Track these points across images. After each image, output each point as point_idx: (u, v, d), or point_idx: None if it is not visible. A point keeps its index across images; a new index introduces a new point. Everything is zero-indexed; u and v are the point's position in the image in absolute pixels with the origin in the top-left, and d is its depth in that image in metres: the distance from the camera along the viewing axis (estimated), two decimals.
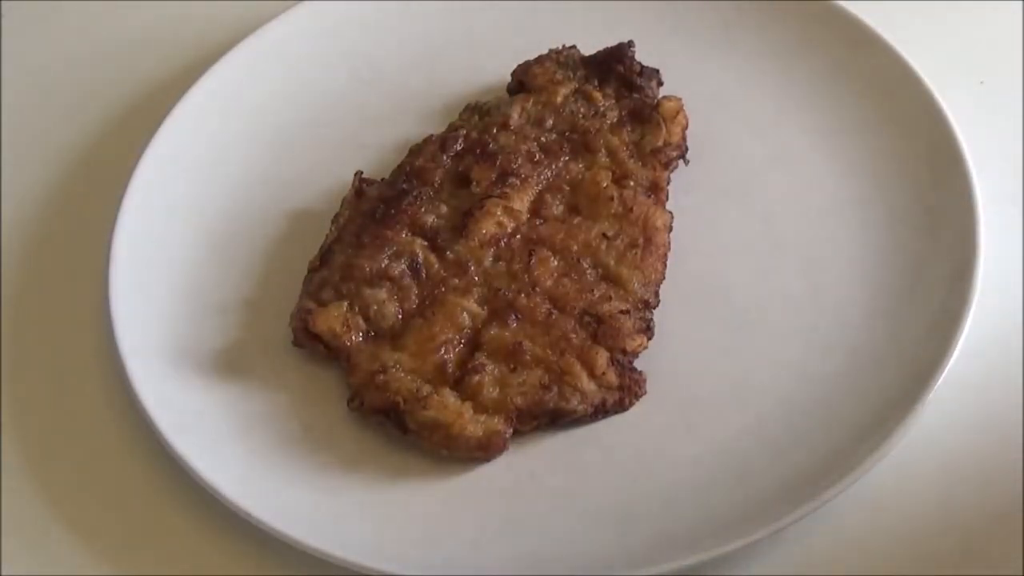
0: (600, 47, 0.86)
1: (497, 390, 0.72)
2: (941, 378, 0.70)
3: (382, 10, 0.92)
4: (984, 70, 0.89)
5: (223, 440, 0.73)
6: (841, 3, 0.88)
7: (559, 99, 0.83)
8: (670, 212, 0.79)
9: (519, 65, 0.86)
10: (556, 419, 0.72)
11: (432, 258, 0.77)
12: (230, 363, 0.76)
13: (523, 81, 0.85)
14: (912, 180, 0.81)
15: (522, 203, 0.78)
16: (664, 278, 0.77)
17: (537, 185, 0.79)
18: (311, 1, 0.92)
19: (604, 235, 0.77)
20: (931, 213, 0.79)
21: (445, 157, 0.81)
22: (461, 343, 0.74)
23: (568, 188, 0.79)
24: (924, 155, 0.81)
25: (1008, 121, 0.86)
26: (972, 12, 0.93)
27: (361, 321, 0.75)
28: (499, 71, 0.87)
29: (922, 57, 0.84)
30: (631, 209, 0.78)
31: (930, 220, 0.78)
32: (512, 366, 0.73)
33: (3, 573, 0.71)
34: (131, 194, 0.82)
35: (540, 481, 0.71)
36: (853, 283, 0.77)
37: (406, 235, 0.77)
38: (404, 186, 0.80)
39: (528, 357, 0.73)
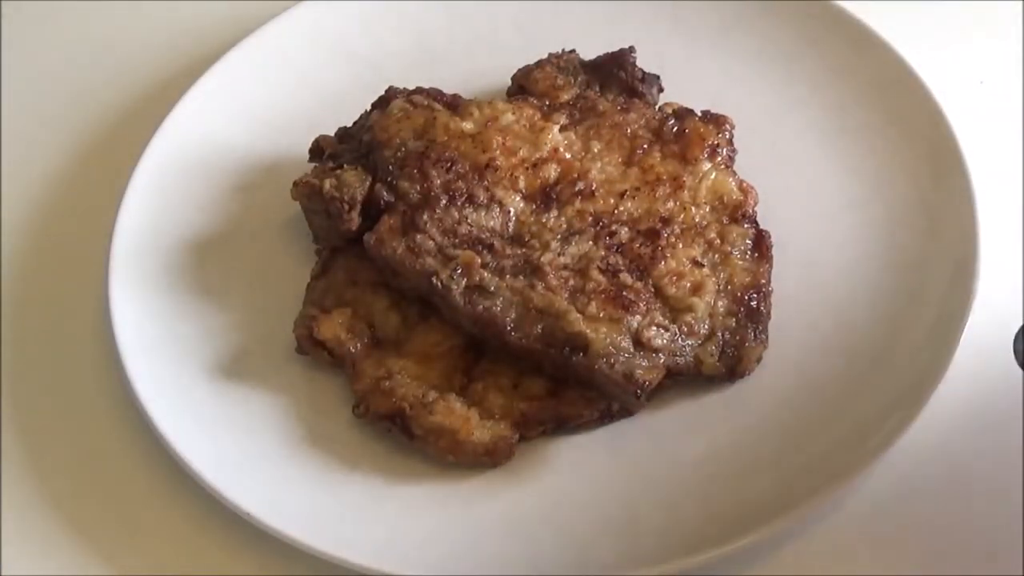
0: (600, 48, 0.86)
1: (503, 396, 0.72)
2: (942, 378, 0.70)
3: (382, 10, 0.92)
4: (984, 70, 0.90)
5: (224, 441, 0.73)
6: (841, 3, 0.88)
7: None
8: None
9: (519, 69, 0.86)
10: (562, 424, 0.72)
11: None
12: (231, 366, 0.76)
13: (523, 85, 0.85)
14: (912, 180, 0.81)
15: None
16: None
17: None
18: (311, 1, 0.92)
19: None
20: (931, 213, 0.79)
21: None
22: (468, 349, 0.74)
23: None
24: (924, 155, 0.81)
25: (1008, 121, 0.86)
26: (972, 12, 0.93)
27: (365, 328, 0.75)
28: (499, 72, 0.87)
29: (922, 57, 0.85)
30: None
31: (930, 220, 0.78)
32: (519, 372, 0.73)
33: (3, 573, 0.71)
34: (131, 194, 0.82)
35: (541, 482, 0.71)
36: (853, 283, 0.77)
37: None
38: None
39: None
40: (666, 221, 0.76)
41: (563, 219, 0.76)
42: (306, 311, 0.77)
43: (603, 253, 0.74)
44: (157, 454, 0.73)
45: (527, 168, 0.77)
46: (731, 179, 0.78)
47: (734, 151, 0.80)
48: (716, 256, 0.76)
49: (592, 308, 0.72)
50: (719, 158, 0.79)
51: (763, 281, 0.75)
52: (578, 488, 0.71)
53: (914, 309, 0.75)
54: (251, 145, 0.87)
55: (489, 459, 0.71)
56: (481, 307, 0.72)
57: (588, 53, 0.86)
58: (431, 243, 0.74)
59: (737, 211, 0.77)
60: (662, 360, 0.71)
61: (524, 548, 0.68)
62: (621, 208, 0.76)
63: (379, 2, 0.93)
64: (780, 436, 0.71)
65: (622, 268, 0.74)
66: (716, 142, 0.79)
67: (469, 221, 0.75)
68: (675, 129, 0.79)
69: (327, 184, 0.77)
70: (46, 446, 0.77)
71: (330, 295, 0.77)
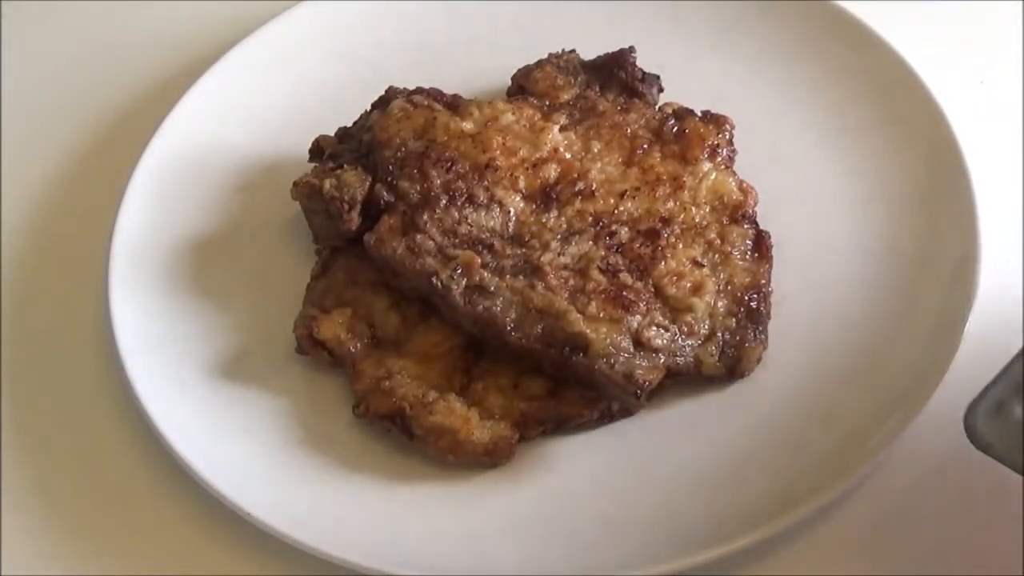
0: (600, 48, 0.86)
1: (503, 396, 0.72)
2: (942, 378, 0.70)
3: (382, 10, 0.92)
4: (984, 70, 0.89)
5: (224, 441, 0.73)
6: (841, 3, 0.88)
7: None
8: None
9: (519, 69, 0.86)
10: (562, 424, 0.72)
11: None
12: (231, 366, 0.76)
13: (523, 85, 0.85)
14: (912, 180, 0.81)
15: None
16: None
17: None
18: (311, 1, 0.92)
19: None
20: (931, 213, 0.79)
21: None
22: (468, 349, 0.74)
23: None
24: (924, 155, 0.81)
25: (1008, 121, 0.86)
26: (972, 12, 0.93)
27: (365, 328, 0.75)
28: (499, 72, 0.87)
29: (922, 57, 0.84)
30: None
31: (930, 220, 0.78)
32: (519, 372, 0.73)
33: (3, 573, 0.71)
34: (131, 194, 0.82)
35: (541, 482, 0.71)
36: (853, 283, 0.77)
37: None
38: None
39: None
40: (666, 221, 0.76)
41: (563, 219, 0.76)
42: (306, 311, 0.77)
43: (603, 253, 0.74)
44: (157, 454, 0.73)
45: (527, 168, 0.77)
46: (731, 179, 0.78)
47: (734, 151, 0.80)
48: (716, 256, 0.76)
49: (592, 308, 0.72)
50: (719, 158, 0.79)
51: (763, 281, 0.75)
52: (578, 488, 0.71)
53: (914, 309, 0.75)
54: (251, 145, 0.87)
55: (489, 459, 0.71)
56: (481, 307, 0.72)
57: (588, 53, 0.86)
58: (431, 243, 0.74)
59: (737, 211, 0.77)
60: (662, 360, 0.71)
61: (524, 548, 0.68)
62: (621, 208, 0.76)
63: (379, 2, 0.93)
64: (780, 436, 0.71)
65: (622, 268, 0.74)
66: (716, 142, 0.79)
67: (469, 221, 0.75)
68: (675, 129, 0.79)
69: (327, 184, 0.77)
70: (46, 446, 0.77)
71: (330, 295, 0.77)
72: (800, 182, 0.82)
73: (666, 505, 0.69)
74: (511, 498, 0.71)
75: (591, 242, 0.75)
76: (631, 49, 0.85)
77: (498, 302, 0.72)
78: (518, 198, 0.76)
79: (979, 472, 0.71)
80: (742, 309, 0.74)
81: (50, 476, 0.76)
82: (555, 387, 0.72)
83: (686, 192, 0.77)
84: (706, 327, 0.73)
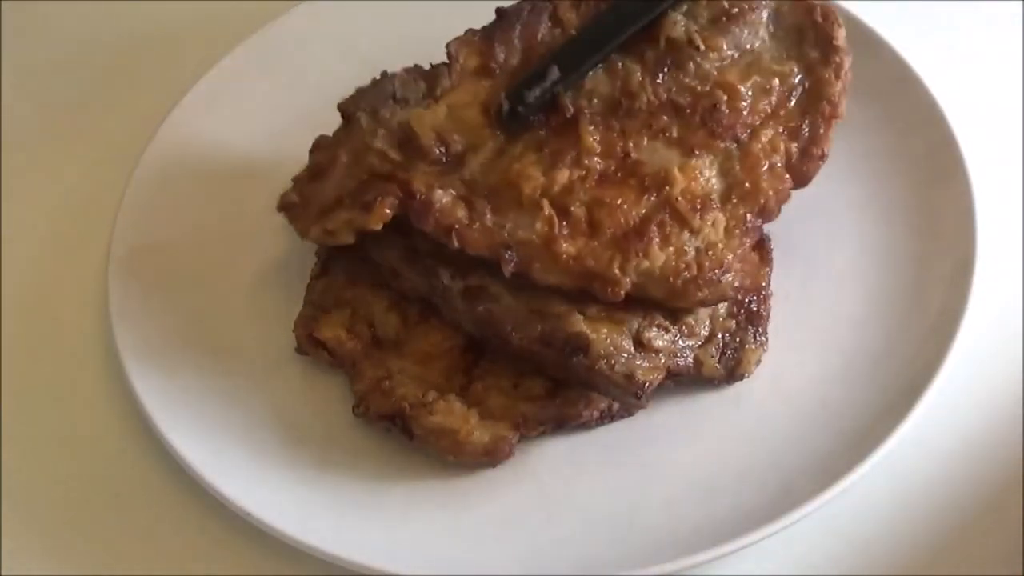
0: None
1: (503, 396, 0.72)
2: (940, 378, 0.70)
3: (382, 10, 0.92)
4: (984, 70, 0.89)
5: (224, 441, 0.73)
6: (841, 3, 0.88)
7: None
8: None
9: None
10: (562, 424, 0.72)
11: None
12: (231, 366, 0.76)
13: None
14: (911, 180, 0.81)
15: None
16: None
17: None
18: (311, 1, 0.92)
19: None
20: (930, 213, 0.79)
21: None
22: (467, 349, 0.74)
23: None
24: (923, 155, 0.81)
25: (1008, 121, 0.86)
26: (972, 12, 0.93)
27: (365, 328, 0.75)
28: None
29: (922, 57, 0.84)
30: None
31: (929, 220, 0.78)
32: (519, 372, 0.73)
33: (3, 573, 0.72)
34: (131, 194, 0.82)
35: (541, 482, 0.71)
36: (852, 283, 0.77)
37: None
38: None
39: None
40: None
41: None
42: (306, 311, 0.77)
43: None
44: (157, 454, 0.73)
45: None
46: None
47: None
48: None
49: (593, 308, 0.72)
50: None
51: (763, 284, 0.75)
52: (578, 488, 0.71)
53: (913, 309, 0.75)
54: (251, 145, 0.87)
55: (489, 459, 0.71)
56: (481, 307, 0.72)
57: None
58: (431, 243, 0.74)
59: None
60: (662, 361, 0.71)
61: (524, 548, 0.68)
62: None
63: (379, 2, 0.93)
64: (780, 436, 0.71)
65: None
66: None
67: None
68: None
69: None
70: (46, 447, 0.77)
71: (330, 295, 0.77)
72: None
73: (665, 505, 0.69)
74: (511, 498, 0.71)
75: None
76: None
77: (498, 302, 0.72)
78: None
79: (979, 472, 0.71)
80: (742, 311, 0.74)
81: (50, 476, 0.76)
82: (555, 387, 0.72)
83: None
84: (706, 328, 0.73)
